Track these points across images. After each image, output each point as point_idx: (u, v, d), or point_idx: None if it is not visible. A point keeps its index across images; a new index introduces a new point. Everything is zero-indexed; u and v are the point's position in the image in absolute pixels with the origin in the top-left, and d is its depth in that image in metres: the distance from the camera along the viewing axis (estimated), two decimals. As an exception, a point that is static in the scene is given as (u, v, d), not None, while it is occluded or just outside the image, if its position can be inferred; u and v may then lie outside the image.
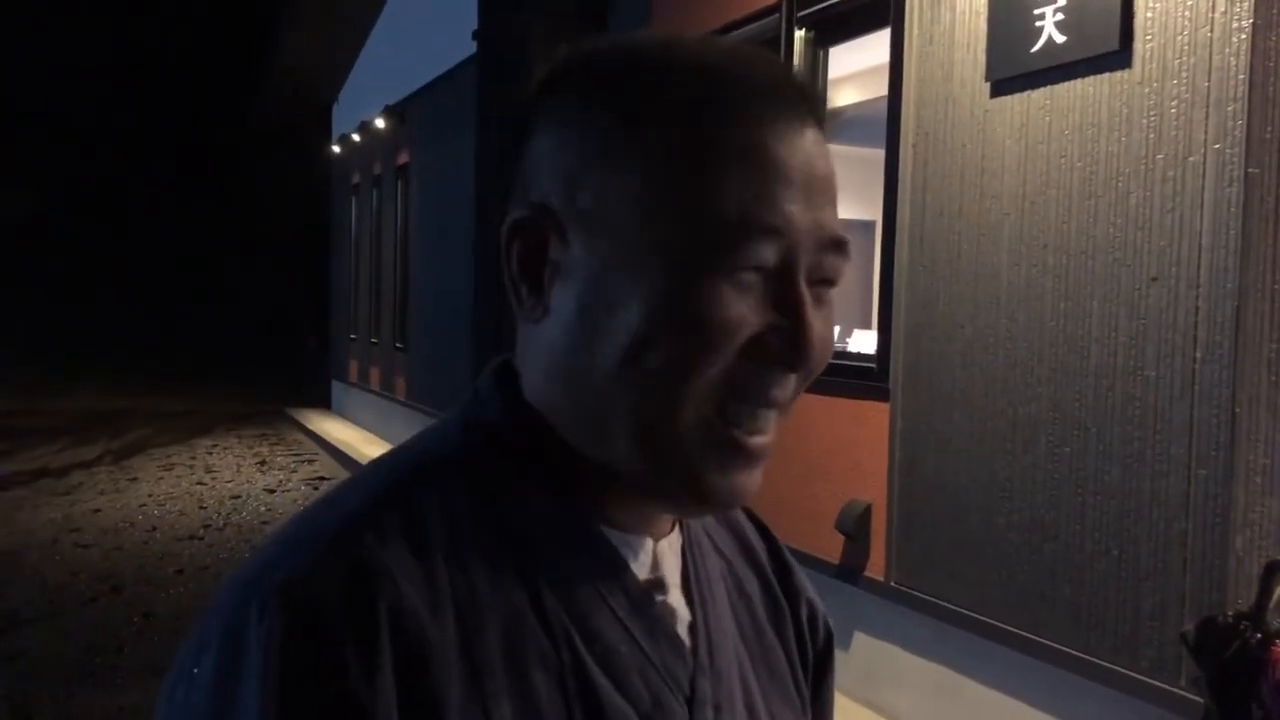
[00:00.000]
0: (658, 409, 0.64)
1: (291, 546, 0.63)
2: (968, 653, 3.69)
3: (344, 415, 14.57)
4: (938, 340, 3.85)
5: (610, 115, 0.66)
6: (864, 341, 5.43)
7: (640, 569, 0.71)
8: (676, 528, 0.75)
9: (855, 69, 5.29)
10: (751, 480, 0.68)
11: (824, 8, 4.60)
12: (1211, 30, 2.87)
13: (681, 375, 0.64)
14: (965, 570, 3.67)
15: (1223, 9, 2.84)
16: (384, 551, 0.61)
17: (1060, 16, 3.31)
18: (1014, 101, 3.52)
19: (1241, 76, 2.79)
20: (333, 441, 12.03)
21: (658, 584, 0.72)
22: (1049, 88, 3.38)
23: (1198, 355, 2.88)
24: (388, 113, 12.17)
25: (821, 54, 4.82)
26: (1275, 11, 2.79)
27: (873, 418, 4.14)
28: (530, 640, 0.64)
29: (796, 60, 4.76)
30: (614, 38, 0.71)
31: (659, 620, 0.70)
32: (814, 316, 0.65)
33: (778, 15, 4.84)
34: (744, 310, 0.64)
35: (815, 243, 0.65)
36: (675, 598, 0.72)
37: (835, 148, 0.68)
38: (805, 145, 0.66)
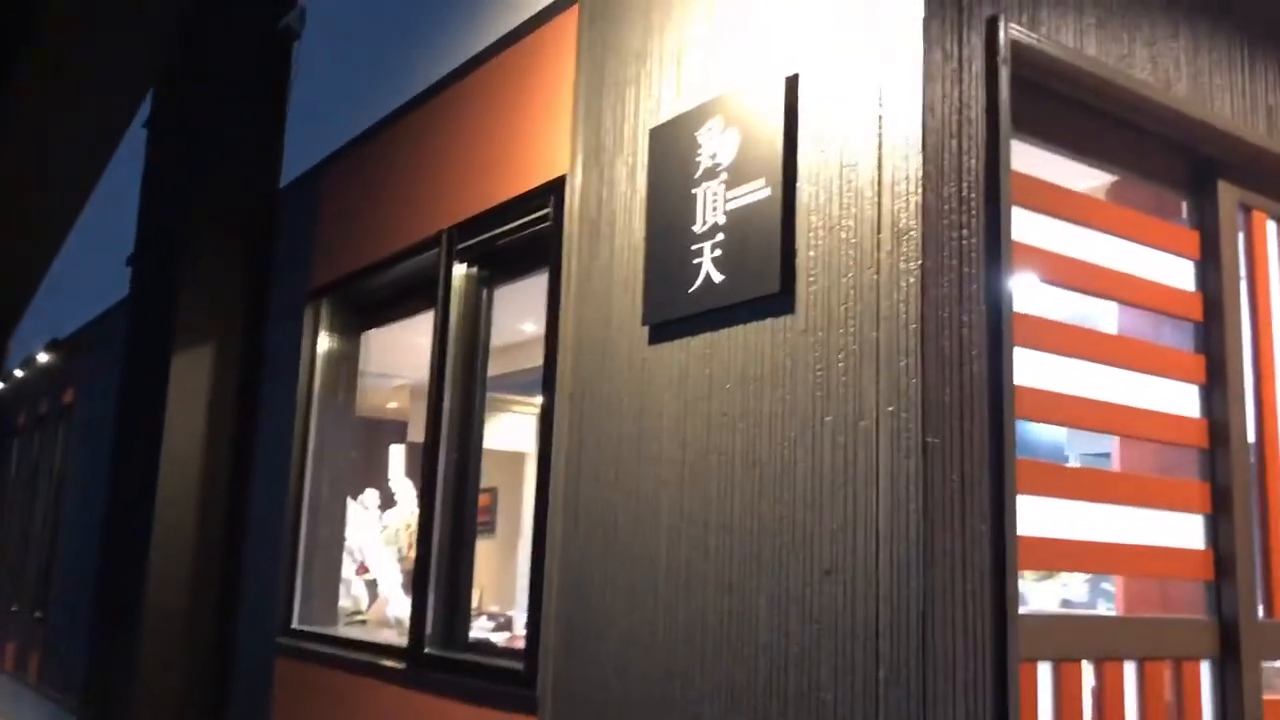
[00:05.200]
0: None
1: None
2: None
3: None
4: (590, 638, 3.08)
5: None
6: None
7: None
8: None
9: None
10: None
11: (482, 240, 4.04)
12: (878, 272, 2.40)
13: None
14: None
15: (889, 248, 2.38)
16: None
17: (718, 252, 2.81)
18: (673, 350, 2.96)
19: (913, 326, 2.30)
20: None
21: None
22: (709, 334, 2.84)
23: (880, 675, 2.23)
24: (52, 346, 10.80)
25: (485, 291, 4.23)
26: (945, 255, 2.36)
27: (514, 737, 3.28)
28: None
29: (455, 295, 4.14)
30: None
31: None
32: None
33: (437, 250, 4.25)
34: None
35: None
36: None
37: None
38: None
